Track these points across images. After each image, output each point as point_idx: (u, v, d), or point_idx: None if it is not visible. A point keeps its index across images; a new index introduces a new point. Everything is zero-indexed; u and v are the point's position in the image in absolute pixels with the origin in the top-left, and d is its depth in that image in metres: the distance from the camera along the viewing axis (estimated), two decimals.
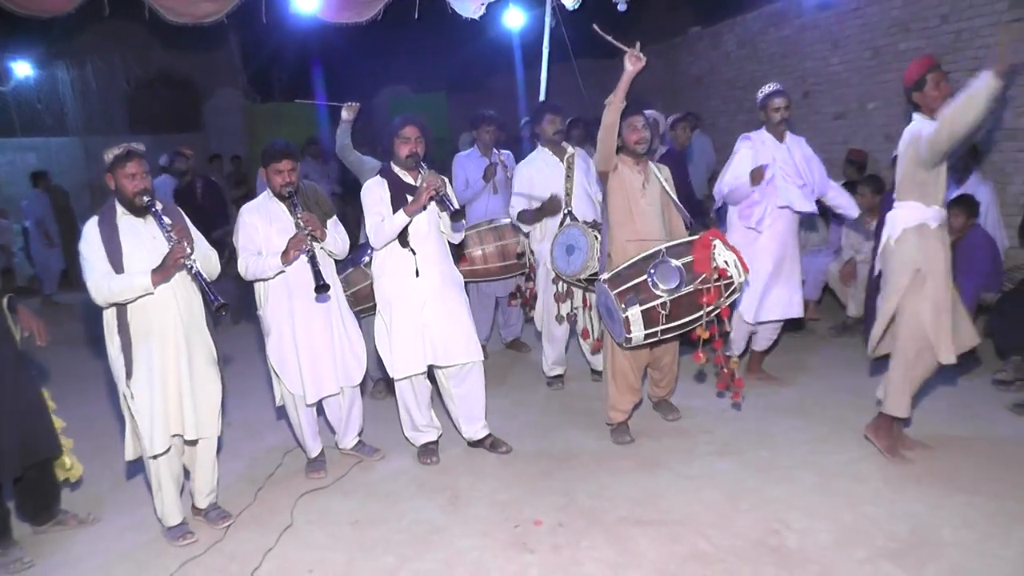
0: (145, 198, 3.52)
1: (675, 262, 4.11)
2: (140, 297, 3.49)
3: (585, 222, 5.04)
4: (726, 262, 4.12)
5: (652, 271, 4.11)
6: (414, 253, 4.24)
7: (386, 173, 4.32)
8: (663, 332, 4.18)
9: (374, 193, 4.25)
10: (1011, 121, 7.09)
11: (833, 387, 5.32)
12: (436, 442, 4.58)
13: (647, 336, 4.16)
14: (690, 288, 4.09)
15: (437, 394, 4.64)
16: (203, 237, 3.83)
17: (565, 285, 5.20)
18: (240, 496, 4.20)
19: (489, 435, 4.62)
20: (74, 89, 16.36)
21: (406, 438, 4.61)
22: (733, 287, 4.19)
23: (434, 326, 4.28)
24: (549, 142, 5.37)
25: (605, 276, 4.25)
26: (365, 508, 3.99)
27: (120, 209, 3.57)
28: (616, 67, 4.20)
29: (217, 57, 17.39)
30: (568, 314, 5.28)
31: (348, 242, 4.37)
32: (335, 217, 4.34)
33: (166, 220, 3.55)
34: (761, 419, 4.83)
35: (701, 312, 4.13)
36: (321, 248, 4.18)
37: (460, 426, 4.62)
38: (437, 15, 6.94)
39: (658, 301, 4.08)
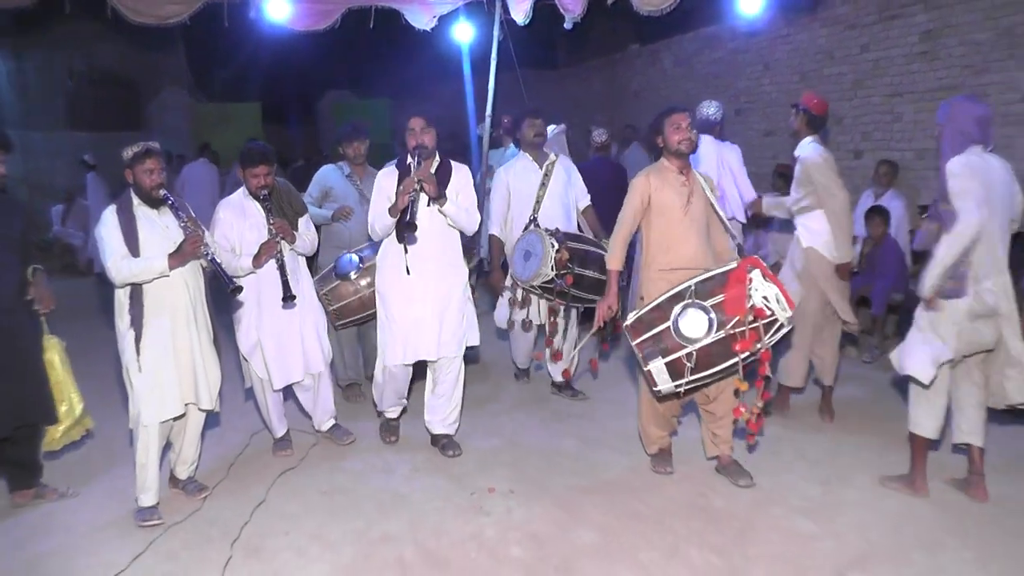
0: (162, 191, 3.80)
1: (703, 305, 3.63)
2: (155, 279, 3.76)
3: (547, 230, 4.99)
4: (765, 298, 3.57)
5: (677, 317, 3.65)
6: (406, 251, 4.30)
7: (400, 164, 4.37)
8: (689, 383, 3.72)
9: (382, 185, 4.34)
10: (922, 142, 7.78)
11: None
12: (398, 420, 4.86)
13: (677, 387, 3.73)
14: (720, 334, 3.60)
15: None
16: (206, 230, 4.09)
17: (522, 291, 5.19)
18: (212, 473, 4.43)
19: (447, 436, 4.69)
20: (11, 82, 16.12)
21: (373, 404, 4.87)
22: (778, 325, 3.64)
23: (424, 322, 4.35)
24: (530, 146, 5.38)
25: (629, 320, 3.86)
26: (332, 481, 4.30)
27: (135, 200, 3.84)
28: (555, 78, 4.44)
29: (162, 56, 17.36)
30: (524, 320, 5.26)
31: (317, 240, 4.62)
32: (307, 216, 4.61)
33: (182, 212, 3.84)
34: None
35: (736, 359, 3.63)
36: (292, 249, 4.45)
37: (426, 415, 4.71)
38: (390, 25, 7.20)
39: (683, 352, 3.63)
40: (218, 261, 3.90)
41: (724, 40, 10.88)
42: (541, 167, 5.37)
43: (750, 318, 3.56)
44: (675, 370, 3.67)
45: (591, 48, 15.11)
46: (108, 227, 3.77)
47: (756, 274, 3.61)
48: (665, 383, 3.71)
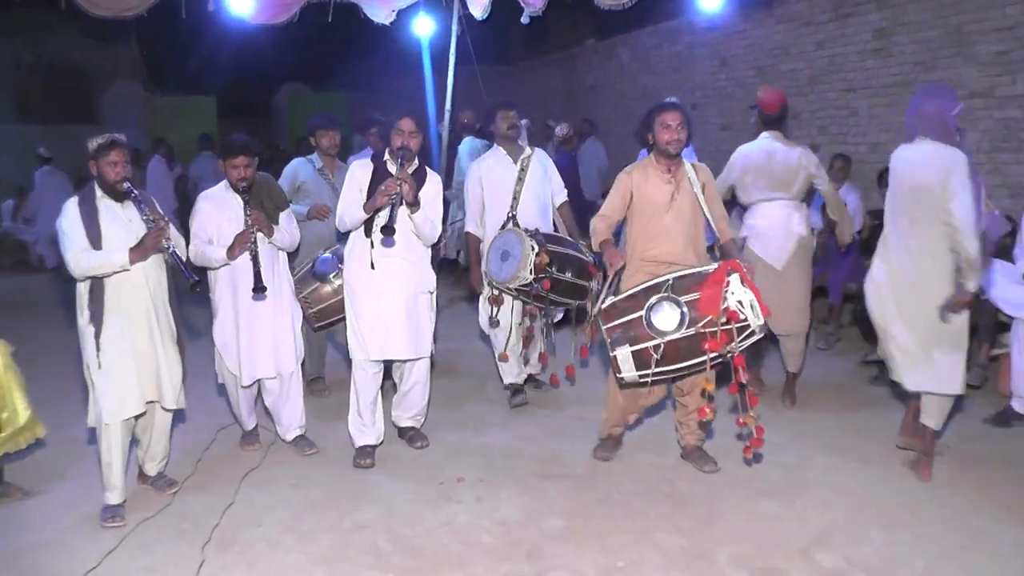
0: (125, 184, 3.74)
1: (676, 300, 3.67)
2: (115, 273, 3.71)
3: (526, 230, 4.79)
4: (740, 303, 3.59)
5: (650, 308, 3.70)
6: (372, 246, 4.26)
7: (377, 158, 4.37)
8: (655, 376, 3.78)
9: (355, 175, 4.32)
10: (876, 136, 8.00)
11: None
12: (374, 447, 4.54)
13: (641, 377, 3.78)
14: (691, 331, 3.63)
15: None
16: (171, 224, 4.02)
17: (497, 290, 4.97)
18: (181, 467, 4.39)
19: (413, 428, 4.73)
20: None
21: (349, 435, 4.57)
22: (750, 330, 3.67)
23: (391, 319, 4.31)
24: (504, 139, 5.17)
25: (604, 305, 3.88)
26: (301, 474, 4.31)
27: (99, 192, 3.78)
28: (512, 73, 4.42)
29: (115, 47, 17.03)
30: (491, 317, 5.07)
31: (297, 236, 4.56)
32: (288, 210, 4.54)
33: (145, 206, 3.79)
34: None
35: (704, 358, 3.66)
36: (270, 243, 4.37)
37: (393, 411, 4.74)
38: (348, 19, 7.15)
39: (651, 343, 3.66)
40: (179, 255, 3.85)
41: (681, 35, 11.03)
42: (516, 161, 5.13)
43: (723, 319, 3.59)
44: (641, 360, 3.71)
45: (548, 43, 15.20)
46: (69, 219, 3.71)
47: (735, 278, 3.63)
48: (629, 372, 3.75)
